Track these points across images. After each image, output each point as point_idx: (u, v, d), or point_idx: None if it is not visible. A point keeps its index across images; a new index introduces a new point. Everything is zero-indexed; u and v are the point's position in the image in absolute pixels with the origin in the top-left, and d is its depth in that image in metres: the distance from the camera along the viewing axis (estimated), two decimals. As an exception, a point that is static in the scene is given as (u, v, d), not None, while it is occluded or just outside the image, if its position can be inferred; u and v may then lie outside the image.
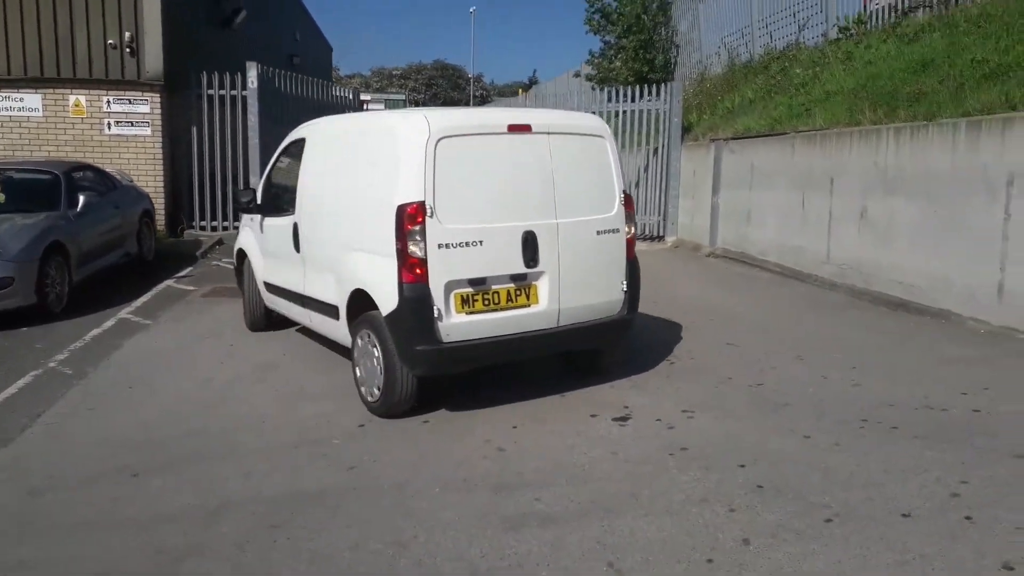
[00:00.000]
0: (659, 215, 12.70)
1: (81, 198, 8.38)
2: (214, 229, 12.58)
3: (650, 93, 12.68)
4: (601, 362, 5.70)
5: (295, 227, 5.94)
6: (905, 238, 7.63)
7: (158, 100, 12.04)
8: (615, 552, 3.31)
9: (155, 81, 11.97)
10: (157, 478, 4.17)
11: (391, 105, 39.75)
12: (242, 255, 7.16)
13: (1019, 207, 6.37)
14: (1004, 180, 6.49)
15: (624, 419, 4.86)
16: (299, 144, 6.18)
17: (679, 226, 12.57)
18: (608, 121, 10.97)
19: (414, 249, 4.58)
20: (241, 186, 11.73)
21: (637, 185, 12.71)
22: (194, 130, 12.38)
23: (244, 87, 12.27)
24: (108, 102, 11.95)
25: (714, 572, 3.16)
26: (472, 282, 4.76)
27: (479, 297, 4.79)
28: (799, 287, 8.90)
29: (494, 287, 4.84)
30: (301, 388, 5.61)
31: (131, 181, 11.09)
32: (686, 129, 12.73)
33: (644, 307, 5.95)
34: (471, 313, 4.77)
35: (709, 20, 15.24)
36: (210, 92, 12.33)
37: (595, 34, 17.86)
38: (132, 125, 12.03)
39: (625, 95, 12.84)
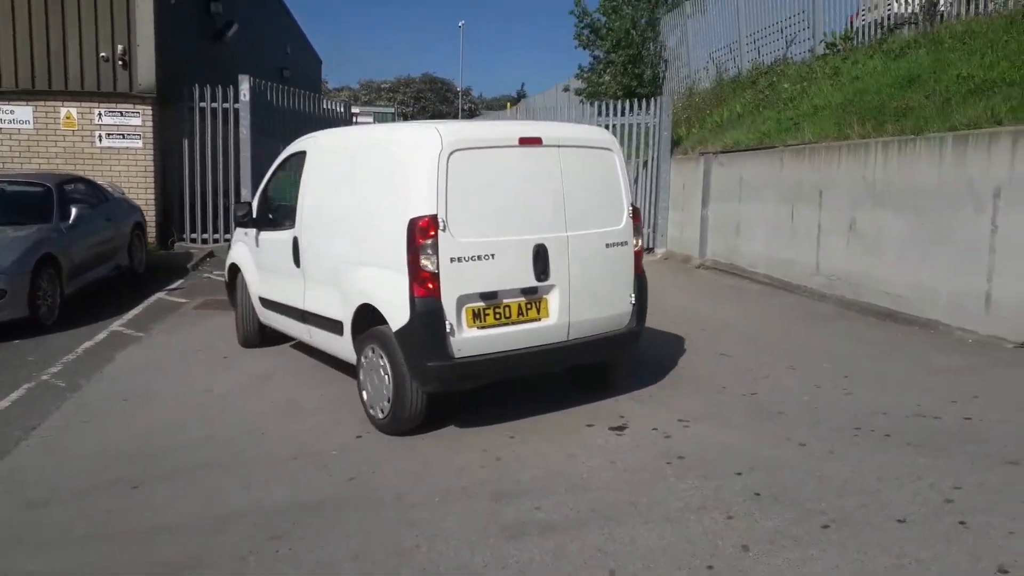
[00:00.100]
0: (649, 227, 12.78)
1: (73, 210, 8.35)
2: (205, 241, 12.56)
3: (640, 107, 12.81)
4: (610, 377, 5.65)
5: (295, 241, 5.83)
6: (893, 250, 7.73)
7: (150, 112, 12.03)
8: (616, 560, 3.34)
9: (147, 93, 11.96)
10: (155, 490, 4.17)
11: (380, 118, 39.90)
12: (235, 270, 6.96)
13: (1005, 219, 6.49)
14: (991, 193, 6.62)
15: (621, 428, 4.90)
16: (299, 157, 6.06)
17: (668, 238, 12.68)
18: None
19: (426, 263, 4.51)
20: (234, 199, 11.71)
21: (627, 198, 12.78)
22: (185, 143, 12.38)
23: (236, 100, 12.29)
24: (100, 114, 11.93)
25: (715, 578, 3.19)
26: (484, 296, 4.69)
27: (491, 311, 4.73)
28: (789, 298, 8.99)
29: (505, 301, 4.77)
30: (297, 400, 5.61)
31: (122, 193, 11.06)
32: (675, 143, 12.85)
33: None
34: (483, 327, 4.70)
35: (697, 35, 15.39)
36: (202, 105, 12.35)
37: (584, 49, 18.09)
38: (124, 137, 12.01)
39: (615, 109, 12.96)
